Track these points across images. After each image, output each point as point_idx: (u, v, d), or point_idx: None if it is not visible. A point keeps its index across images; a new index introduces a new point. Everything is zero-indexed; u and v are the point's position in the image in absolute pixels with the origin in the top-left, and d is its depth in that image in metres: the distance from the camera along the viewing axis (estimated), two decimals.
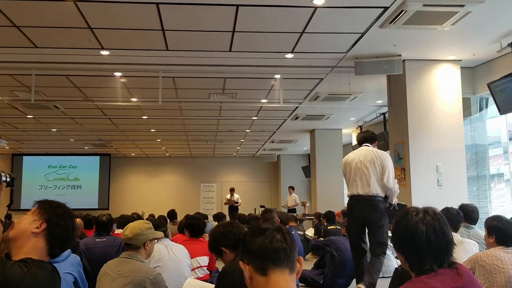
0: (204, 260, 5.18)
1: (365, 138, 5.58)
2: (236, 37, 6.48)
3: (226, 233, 3.01)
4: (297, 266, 1.71)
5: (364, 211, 5.16)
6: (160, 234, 3.67)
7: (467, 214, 5.13)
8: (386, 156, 5.26)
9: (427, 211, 1.97)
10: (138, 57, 7.28)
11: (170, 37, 6.45)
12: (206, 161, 20.50)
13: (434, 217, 1.94)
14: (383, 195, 5.16)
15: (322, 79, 8.56)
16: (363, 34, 6.41)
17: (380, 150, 5.37)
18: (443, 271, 1.87)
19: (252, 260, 1.68)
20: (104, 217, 5.47)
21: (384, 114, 10.99)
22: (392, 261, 7.19)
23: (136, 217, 7.35)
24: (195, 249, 5.09)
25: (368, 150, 5.36)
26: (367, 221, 5.18)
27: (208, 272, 5.22)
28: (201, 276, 5.07)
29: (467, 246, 4.28)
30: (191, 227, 5.30)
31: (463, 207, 5.16)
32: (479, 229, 5.35)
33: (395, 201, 5.27)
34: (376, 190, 5.13)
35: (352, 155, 5.50)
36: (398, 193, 5.26)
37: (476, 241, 4.60)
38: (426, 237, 1.90)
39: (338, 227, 8.39)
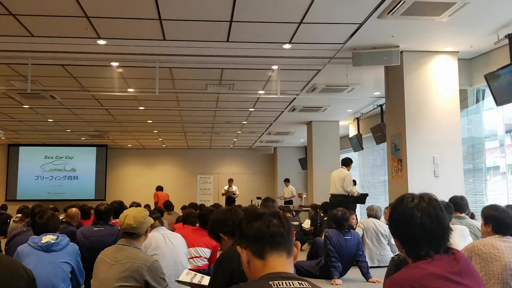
0: (205, 251, 5.22)
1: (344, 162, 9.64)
2: (233, 27, 6.45)
3: (224, 220, 3.03)
4: (294, 250, 1.72)
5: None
6: (152, 220, 3.67)
7: (458, 204, 5.24)
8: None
9: (422, 197, 1.98)
10: (135, 47, 7.25)
11: (167, 26, 6.42)
12: (203, 152, 20.50)
13: (429, 203, 1.95)
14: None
15: (320, 70, 8.55)
16: (361, 25, 6.40)
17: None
18: (439, 257, 1.88)
19: (250, 244, 1.69)
20: (102, 206, 5.49)
21: (381, 106, 10.99)
22: (387, 250, 7.24)
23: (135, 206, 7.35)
24: (199, 239, 5.18)
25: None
26: None
27: (207, 263, 5.25)
28: (200, 265, 5.10)
29: (459, 232, 4.37)
30: (204, 218, 5.40)
31: (452, 199, 5.33)
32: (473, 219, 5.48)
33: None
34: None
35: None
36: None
37: (470, 231, 4.66)
38: (421, 223, 1.91)
39: None
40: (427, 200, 1.96)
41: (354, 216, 7.60)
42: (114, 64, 8.18)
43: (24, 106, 11.57)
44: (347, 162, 9.59)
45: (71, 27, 6.42)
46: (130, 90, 9.91)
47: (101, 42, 7.00)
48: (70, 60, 7.91)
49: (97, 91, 9.98)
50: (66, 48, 7.25)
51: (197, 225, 5.69)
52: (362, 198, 9.64)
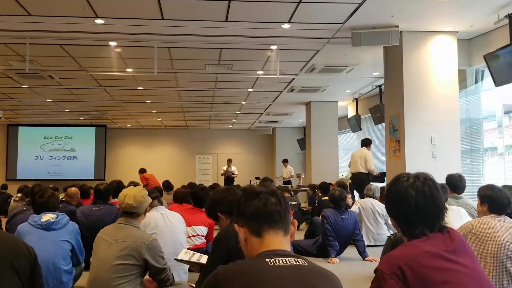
0: (201, 229, 5.27)
1: (364, 143, 9.99)
2: (232, 6, 6.41)
3: (222, 199, 3.06)
4: (291, 229, 1.74)
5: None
6: (151, 199, 3.70)
7: (455, 184, 5.24)
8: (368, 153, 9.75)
9: (418, 176, 1.99)
10: (133, 26, 7.21)
11: (166, 5, 6.37)
12: (202, 133, 20.49)
13: (424, 182, 1.96)
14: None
15: (319, 50, 8.51)
16: (360, 4, 6.35)
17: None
18: (434, 235, 1.90)
19: (247, 222, 1.71)
20: (102, 186, 5.52)
21: (380, 86, 10.97)
22: (384, 229, 7.31)
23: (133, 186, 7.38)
24: (195, 218, 5.22)
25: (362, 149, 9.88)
26: None
27: (205, 241, 5.31)
28: (198, 244, 5.15)
29: (456, 212, 4.40)
30: (197, 197, 5.41)
31: (450, 177, 5.29)
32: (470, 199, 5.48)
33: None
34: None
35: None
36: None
37: (467, 211, 4.69)
38: (415, 202, 1.92)
39: None
40: (422, 179, 1.97)
41: (350, 196, 7.72)
42: (112, 43, 8.13)
43: (22, 86, 11.53)
44: (366, 143, 9.97)
45: (68, 6, 6.37)
46: (129, 70, 9.87)
47: (99, 21, 6.95)
48: (68, 40, 7.86)
49: (95, 71, 9.94)
50: (64, 27, 7.21)
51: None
52: (381, 177, 9.83)
